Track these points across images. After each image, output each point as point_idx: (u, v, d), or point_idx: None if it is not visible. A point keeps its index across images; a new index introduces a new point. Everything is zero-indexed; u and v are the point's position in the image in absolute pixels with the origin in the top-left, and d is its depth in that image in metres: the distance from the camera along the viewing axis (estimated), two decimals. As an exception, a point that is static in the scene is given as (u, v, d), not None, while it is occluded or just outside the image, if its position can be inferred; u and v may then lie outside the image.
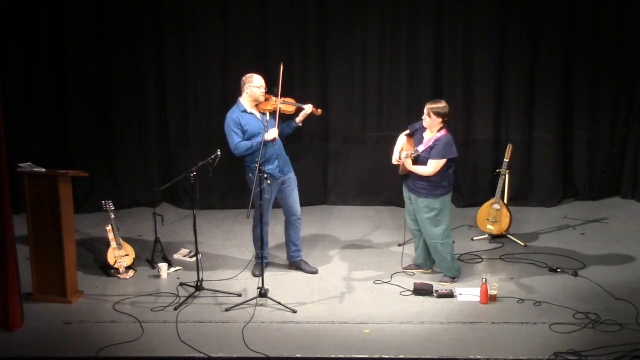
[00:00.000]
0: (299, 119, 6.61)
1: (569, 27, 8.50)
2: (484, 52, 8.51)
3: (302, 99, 6.79)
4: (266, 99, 6.55)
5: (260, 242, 6.56)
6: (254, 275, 6.66)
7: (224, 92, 8.64)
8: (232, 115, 6.51)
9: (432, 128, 6.34)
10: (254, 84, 6.48)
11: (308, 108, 6.59)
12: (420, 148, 6.29)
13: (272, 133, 6.43)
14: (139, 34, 8.48)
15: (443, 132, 6.32)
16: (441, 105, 6.31)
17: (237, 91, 8.50)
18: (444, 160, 6.26)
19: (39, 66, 8.37)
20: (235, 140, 6.45)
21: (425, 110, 6.31)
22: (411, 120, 8.55)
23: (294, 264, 6.87)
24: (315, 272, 6.78)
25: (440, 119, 6.29)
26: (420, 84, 8.57)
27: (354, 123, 8.73)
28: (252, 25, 8.48)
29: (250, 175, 6.53)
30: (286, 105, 6.56)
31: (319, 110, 6.66)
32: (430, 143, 6.28)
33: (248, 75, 6.56)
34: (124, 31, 8.43)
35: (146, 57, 8.54)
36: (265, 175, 6.33)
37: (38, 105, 8.46)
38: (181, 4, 8.46)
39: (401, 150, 6.45)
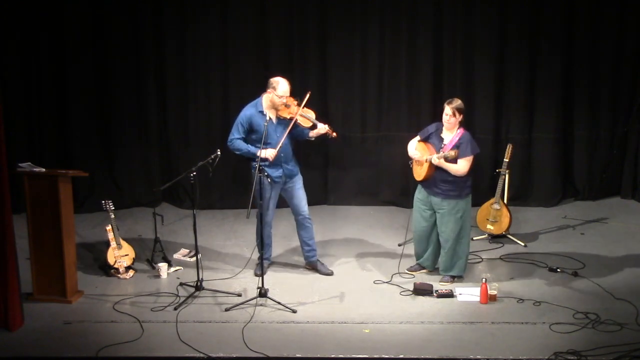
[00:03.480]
0: (312, 134, 6.52)
1: (569, 26, 8.50)
2: (484, 52, 8.51)
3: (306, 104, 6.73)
4: (286, 105, 6.48)
5: (260, 242, 6.58)
6: (256, 275, 6.66)
7: (224, 92, 8.65)
8: (247, 112, 6.48)
9: (454, 128, 6.38)
10: (277, 91, 6.38)
11: (322, 128, 6.46)
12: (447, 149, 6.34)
13: (269, 153, 6.40)
14: (139, 33, 8.48)
15: (461, 130, 6.38)
16: (460, 102, 6.39)
17: (241, 90, 8.59)
18: (472, 157, 6.32)
19: (39, 66, 8.37)
20: (234, 135, 6.45)
21: (449, 111, 6.30)
22: (411, 120, 8.65)
23: (310, 265, 6.85)
24: (330, 273, 6.75)
25: (461, 116, 6.34)
26: (421, 84, 8.57)
27: (354, 123, 8.73)
28: (252, 24, 8.48)
29: (253, 171, 6.52)
30: (303, 119, 6.47)
31: (335, 133, 6.52)
32: (456, 141, 6.32)
33: (275, 79, 6.44)
34: (123, 31, 8.43)
35: (146, 57, 8.54)
36: (266, 174, 6.36)
37: (38, 106, 8.46)
38: (181, 4, 8.46)
39: (420, 155, 6.44)
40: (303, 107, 6.48)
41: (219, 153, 6.37)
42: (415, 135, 6.66)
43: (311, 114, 6.53)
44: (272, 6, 8.47)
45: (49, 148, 8.54)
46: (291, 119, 6.43)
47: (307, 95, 6.49)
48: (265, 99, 6.46)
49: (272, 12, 8.48)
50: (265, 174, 6.38)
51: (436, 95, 8.57)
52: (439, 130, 6.47)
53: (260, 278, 6.21)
